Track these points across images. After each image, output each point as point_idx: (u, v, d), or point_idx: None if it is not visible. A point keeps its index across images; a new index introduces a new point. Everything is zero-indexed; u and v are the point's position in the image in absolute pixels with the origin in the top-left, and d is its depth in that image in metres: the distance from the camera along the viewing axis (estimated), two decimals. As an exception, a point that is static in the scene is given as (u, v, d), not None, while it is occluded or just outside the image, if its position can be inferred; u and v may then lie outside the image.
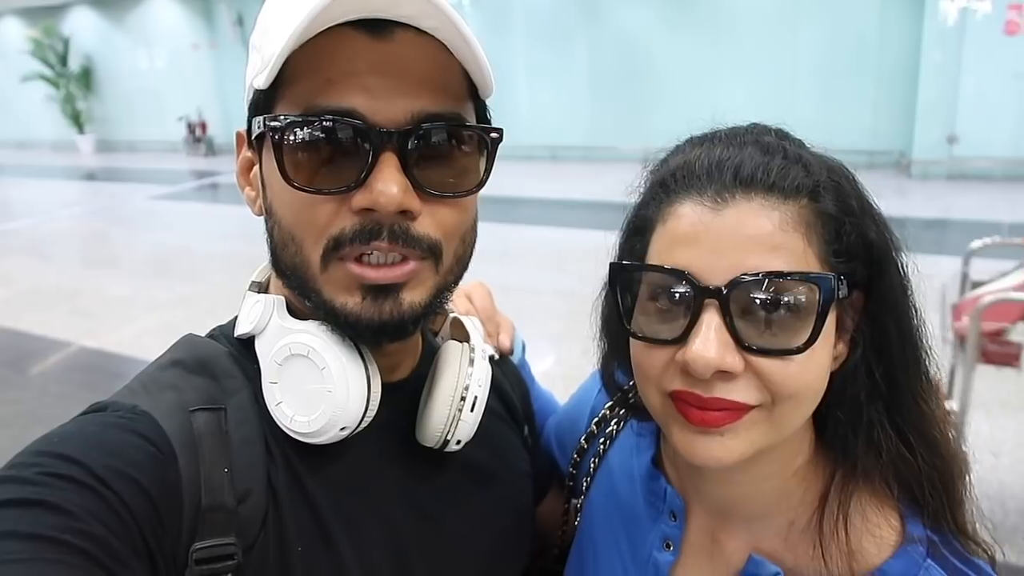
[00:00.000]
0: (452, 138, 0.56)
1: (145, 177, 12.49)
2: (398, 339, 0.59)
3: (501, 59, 11.55)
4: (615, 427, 0.79)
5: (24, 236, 8.70)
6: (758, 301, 0.53)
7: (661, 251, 0.57)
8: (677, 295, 0.55)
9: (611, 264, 0.62)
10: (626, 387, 0.74)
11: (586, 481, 0.79)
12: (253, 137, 0.58)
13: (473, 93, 0.59)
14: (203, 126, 14.75)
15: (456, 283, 0.62)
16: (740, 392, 0.54)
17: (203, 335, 0.65)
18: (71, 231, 8.98)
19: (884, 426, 0.59)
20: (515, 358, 0.92)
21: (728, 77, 9.60)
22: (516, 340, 0.94)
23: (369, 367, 0.59)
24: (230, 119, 13.96)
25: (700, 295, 0.53)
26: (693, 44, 10.07)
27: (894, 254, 0.58)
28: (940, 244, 6.44)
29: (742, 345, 0.53)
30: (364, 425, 0.59)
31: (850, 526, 0.59)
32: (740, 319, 0.53)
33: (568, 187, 9.59)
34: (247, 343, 0.62)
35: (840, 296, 0.55)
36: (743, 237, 0.53)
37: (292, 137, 0.53)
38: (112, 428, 0.53)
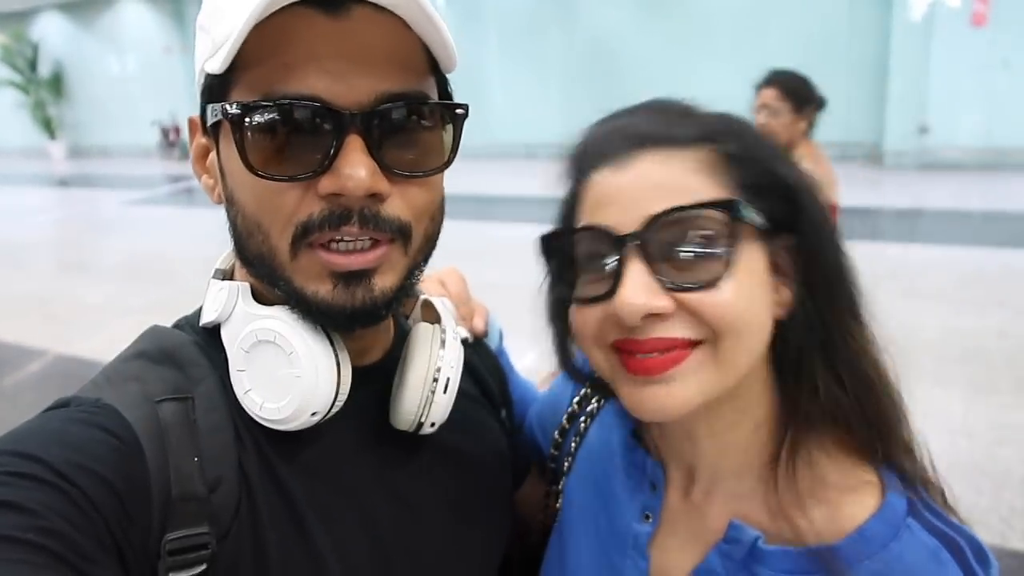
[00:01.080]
0: (417, 117, 0.55)
1: (118, 182, 12.33)
2: (371, 324, 0.58)
3: (476, 57, 11.54)
4: (596, 405, 0.79)
5: (-5, 244, 8.58)
6: (672, 238, 0.55)
7: (582, 220, 0.60)
8: (600, 252, 0.57)
9: (540, 236, 0.63)
10: (584, 367, 0.74)
11: (567, 461, 0.79)
12: (208, 124, 0.56)
13: (435, 68, 0.58)
14: (177, 130, 14.59)
15: (425, 262, 0.61)
16: (676, 329, 0.55)
17: (169, 326, 0.64)
18: (43, 238, 8.85)
19: (819, 367, 0.59)
20: (492, 344, 0.91)
21: (701, 72, 9.65)
22: (492, 326, 0.93)
23: (338, 351, 0.57)
24: (204, 122, 13.82)
25: (618, 244, 0.55)
26: (666, 40, 10.13)
27: (811, 192, 0.59)
28: (912, 233, 6.54)
29: (665, 285, 0.55)
30: (335, 410, 0.58)
31: (814, 480, 0.59)
32: (660, 261, 0.55)
33: (544, 184, 9.59)
34: (213, 332, 0.61)
35: (758, 227, 0.56)
36: (648, 187, 0.56)
37: (253, 124, 0.51)
38: (74, 423, 0.51)
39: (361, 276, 0.55)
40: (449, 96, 0.61)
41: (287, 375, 0.55)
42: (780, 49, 9.05)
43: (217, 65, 0.51)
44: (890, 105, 8.48)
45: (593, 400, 0.80)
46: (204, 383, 0.58)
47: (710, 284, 0.54)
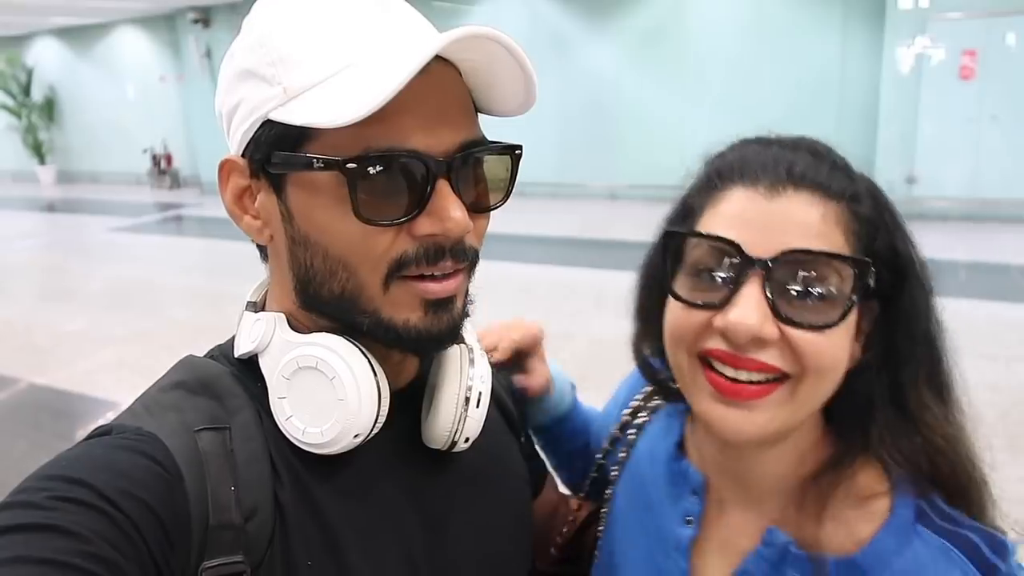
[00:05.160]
0: (487, 158, 0.61)
1: (106, 209, 12.25)
2: (448, 346, 0.64)
3: (470, 96, 11.62)
4: (646, 417, 0.83)
5: (-24, 268, 8.45)
6: (799, 276, 0.59)
7: (712, 228, 0.62)
8: (725, 263, 0.60)
9: (665, 231, 0.67)
10: (658, 370, 0.77)
11: (615, 470, 0.83)
12: (271, 170, 0.58)
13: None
14: (168, 158, 14.57)
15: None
16: (772, 358, 0.59)
17: (202, 356, 0.66)
18: (26, 263, 8.74)
19: (887, 423, 0.64)
20: (563, 402, 0.93)
21: (694, 116, 9.77)
22: (560, 381, 0.94)
23: (377, 372, 0.60)
24: (196, 152, 13.81)
25: (747, 265, 0.58)
26: (660, 83, 10.26)
27: (918, 268, 0.64)
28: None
29: (779, 316, 0.58)
30: (376, 431, 0.60)
31: (843, 504, 0.64)
32: (779, 292, 0.59)
33: (535, 222, 9.63)
34: (248, 363, 0.63)
35: (866, 289, 0.60)
36: (791, 222, 0.59)
37: (363, 177, 0.54)
38: (119, 450, 0.53)
39: (447, 303, 0.60)
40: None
41: (330, 399, 0.57)
42: (772, 96, 9.18)
43: (321, 119, 0.53)
44: (880, 155, 8.58)
45: (643, 413, 0.84)
46: (241, 414, 0.59)
47: (820, 328, 0.58)
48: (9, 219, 12.01)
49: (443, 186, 0.56)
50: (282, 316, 0.63)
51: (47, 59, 16.04)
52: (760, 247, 0.58)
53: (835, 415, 0.67)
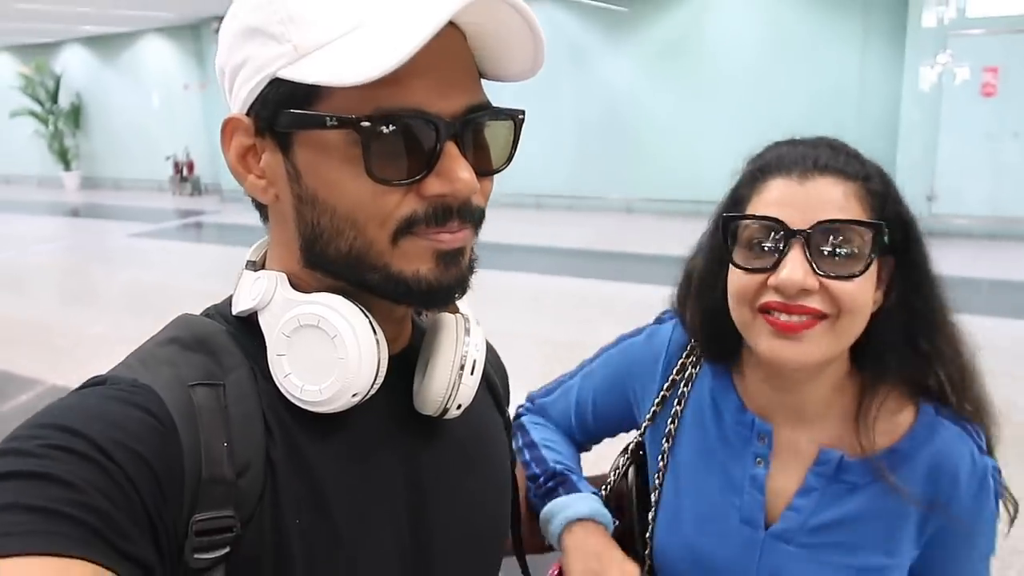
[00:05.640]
0: (493, 122, 0.62)
1: (128, 215, 12.41)
2: (458, 299, 0.64)
3: (489, 107, 11.68)
4: (692, 371, 0.98)
5: (-1, 270, 8.59)
6: (830, 240, 0.78)
7: (759, 210, 0.82)
8: (772, 236, 0.79)
9: (724, 216, 0.85)
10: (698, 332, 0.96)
11: (672, 423, 0.97)
12: (280, 128, 0.58)
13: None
14: (190, 165, 14.75)
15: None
16: (815, 303, 0.78)
17: (198, 314, 0.66)
18: (47, 266, 8.86)
19: (913, 347, 0.84)
20: None
21: (711, 129, 9.76)
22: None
23: (378, 332, 0.60)
24: (217, 159, 13.97)
25: (790, 236, 0.78)
26: (677, 97, 10.27)
27: (919, 228, 0.85)
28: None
29: (817, 271, 0.77)
30: (374, 391, 0.60)
31: (879, 416, 0.85)
32: (816, 253, 0.78)
33: (549, 234, 9.64)
34: (245, 321, 0.64)
35: (883, 245, 0.79)
36: (820, 200, 0.79)
37: (376, 134, 0.54)
38: (113, 401, 0.53)
39: (457, 256, 0.60)
40: None
41: (330, 358, 0.58)
42: (790, 112, 9.15)
43: (334, 78, 0.53)
44: (899, 172, 8.52)
45: (689, 368, 0.98)
46: (235, 371, 0.59)
47: (849, 277, 0.78)
48: (33, 223, 12.20)
49: (451, 148, 0.57)
50: (283, 275, 0.63)
51: (75, 67, 16.34)
52: (798, 221, 0.78)
53: (859, 355, 0.86)
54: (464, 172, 0.57)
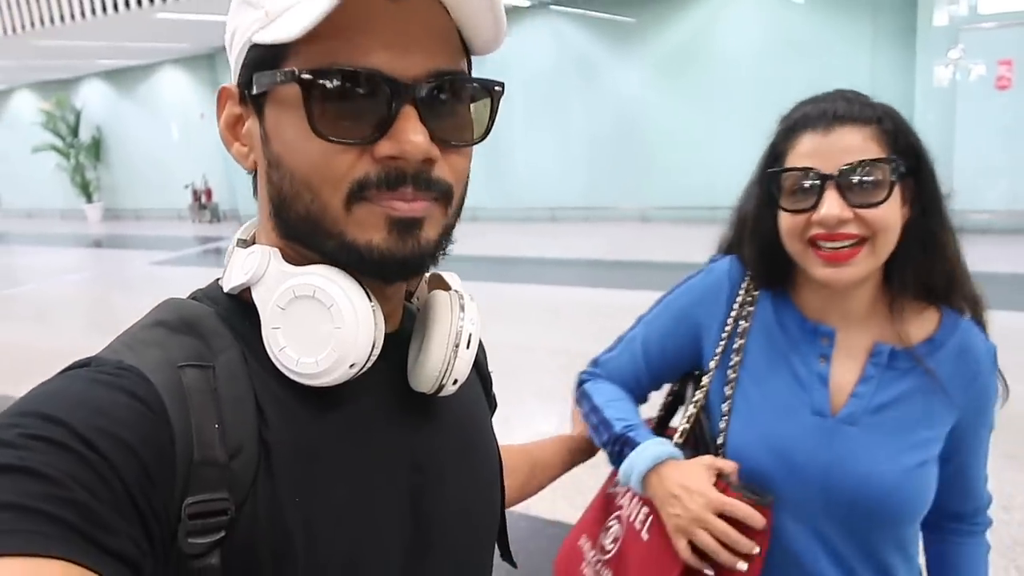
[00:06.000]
0: (462, 91, 0.61)
1: (149, 244, 12.60)
2: (417, 274, 0.63)
3: (500, 121, 11.73)
4: (752, 298, 1.14)
5: (24, 301, 8.74)
6: (856, 177, 0.95)
7: (796, 162, 0.99)
8: (809, 180, 0.97)
9: (767, 171, 1.03)
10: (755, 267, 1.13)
11: (740, 339, 1.13)
12: (254, 92, 0.59)
13: (466, 50, 0.64)
14: (208, 193, 14.97)
15: (455, 225, 0.65)
16: (853, 229, 0.95)
17: (185, 297, 0.65)
18: (72, 296, 9.01)
19: (927, 255, 1.02)
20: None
21: (722, 136, 9.74)
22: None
23: (373, 301, 0.59)
24: (235, 186, 14.17)
25: (824, 180, 0.95)
26: (687, 105, 10.26)
27: (928, 155, 1.01)
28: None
29: (850, 204, 0.95)
30: (371, 362, 0.59)
31: (911, 318, 1.05)
32: (847, 189, 0.95)
33: (563, 245, 9.64)
34: (235, 301, 0.63)
35: (901, 174, 0.97)
36: (843, 147, 0.96)
37: (321, 89, 0.54)
38: (98, 385, 0.51)
39: (413, 225, 0.58)
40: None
41: (326, 329, 0.57)
42: (802, 114, 9.11)
43: (284, 34, 0.54)
44: (915, 169, 8.45)
45: (749, 297, 1.14)
46: (225, 353, 0.58)
47: (876, 205, 0.95)
48: (58, 255, 12.41)
49: (408, 111, 0.56)
50: (276, 250, 0.62)
51: (94, 101, 16.68)
52: (828, 166, 0.95)
53: (888, 268, 1.03)
54: (416, 135, 0.56)
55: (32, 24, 10.27)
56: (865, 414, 1.03)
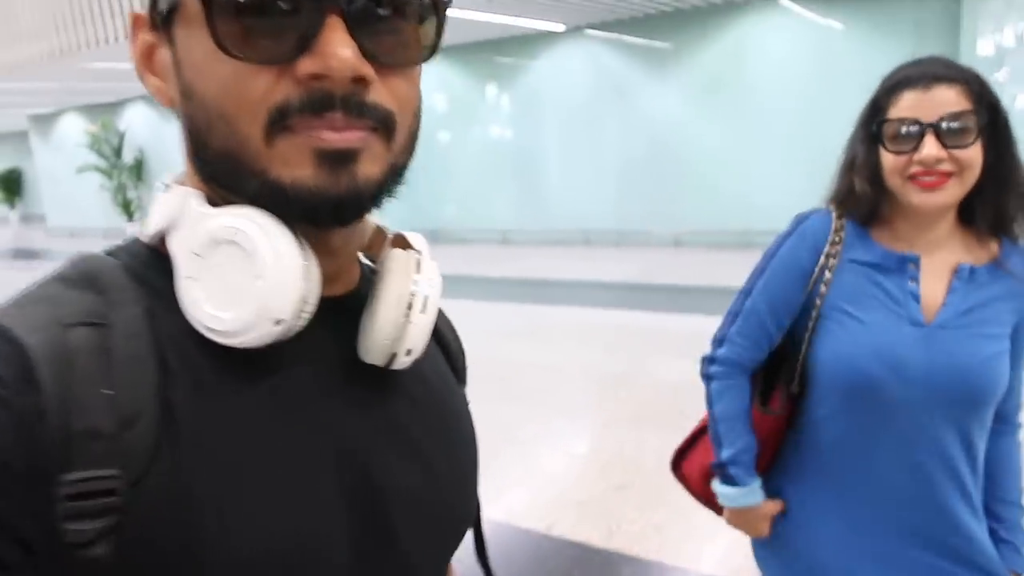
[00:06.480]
0: (405, 5, 0.52)
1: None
2: (356, 218, 0.54)
3: (535, 145, 11.81)
4: (839, 237, 1.33)
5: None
6: (950, 125, 1.16)
7: (899, 114, 1.20)
8: (907, 130, 1.19)
9: (880, 121, 1.23)
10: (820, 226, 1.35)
11: (827, 274, 1.31)
12: (163, 13, 0.51)
13: None
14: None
15: (406, 167, 0.56)
16: (946, 166, 1.16)
17: (100, 251, 0.57)
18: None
19: (998, 191, 1.24)
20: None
21: (757, 161, 9.65)
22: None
23: (305, 248, 0.51)
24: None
25: (923, 127, 1.17)
26: (722, 129, 10.20)
27: (1005, 111, 1.22)
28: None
29: (945, 146, 1.16)
30: (303, 321, 0.51)
31: (979, 244, 1.29)
32: (942, 135, 1.16)
33: (595, 269, 9.59)
34: (152, 253, 0.55)
35: (984, 123, 1.18)
36: (941, 101, 1.17)
37: (224, 1, 0.47)
38: None
39: (346, 159, 0.49)
40: None
41: (247, 278, 0.49)
42: (837, 140, 8.98)
43: None
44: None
45: (838, 241, 1.33)
46: (126, 308, 0.50)
47: (967, 146, 1.16)
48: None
49: (334, 22, 0.48)
50: (199, 192, 0.54)
51: (137, 123, 17.13)
52: (929, 116, 1.17)
53: (966, 203, 1.25)
54: (343, 49, 0.47)
55: (79, 47, 10.57)
56: (955, 318, 1.26)
